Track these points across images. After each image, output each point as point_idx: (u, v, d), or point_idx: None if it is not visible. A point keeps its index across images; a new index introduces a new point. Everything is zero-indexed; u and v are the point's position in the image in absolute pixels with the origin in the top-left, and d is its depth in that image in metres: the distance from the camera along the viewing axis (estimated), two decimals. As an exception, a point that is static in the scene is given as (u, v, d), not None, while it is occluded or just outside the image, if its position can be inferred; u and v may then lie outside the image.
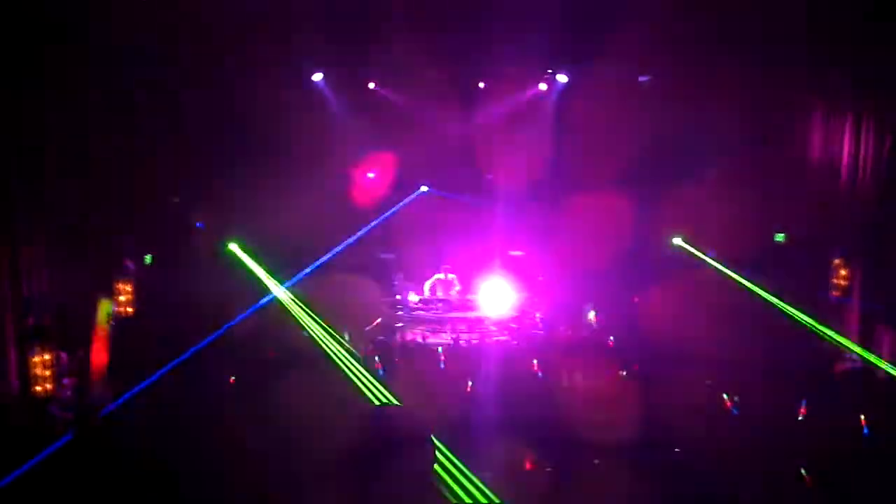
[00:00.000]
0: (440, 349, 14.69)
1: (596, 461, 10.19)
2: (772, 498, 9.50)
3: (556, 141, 19.76)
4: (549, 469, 10.04)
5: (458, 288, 19.29)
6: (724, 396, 12.27)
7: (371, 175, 19.66)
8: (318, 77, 18.43)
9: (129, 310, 15.19)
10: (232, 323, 15.29)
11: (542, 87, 19.32)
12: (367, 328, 16.55)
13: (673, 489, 9.44)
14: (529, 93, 19.60)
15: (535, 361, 13.55)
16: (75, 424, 11.15)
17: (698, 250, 17.55)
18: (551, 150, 19.80)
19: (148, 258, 15.72)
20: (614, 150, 18.53)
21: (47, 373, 12.11)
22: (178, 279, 15.80)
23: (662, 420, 11.14)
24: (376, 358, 14.12)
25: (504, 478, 9.74)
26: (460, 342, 16.27)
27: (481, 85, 18.91)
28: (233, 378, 13.07)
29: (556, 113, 19.69)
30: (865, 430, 10.99)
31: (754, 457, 10.26)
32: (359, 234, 17.50)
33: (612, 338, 15.85)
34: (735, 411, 12.14)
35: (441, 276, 19.40)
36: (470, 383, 12.87)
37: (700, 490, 9.43)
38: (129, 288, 15.20)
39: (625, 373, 13.70)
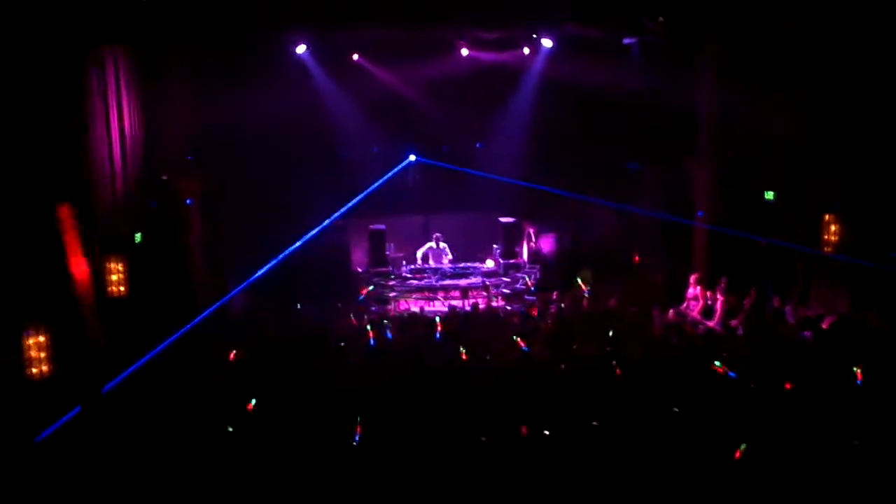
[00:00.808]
0: (437, 318, 14.63)
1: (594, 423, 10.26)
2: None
3: (543, 106, 19.78)
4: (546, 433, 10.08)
5: (449, 256, 19.32)
6: None
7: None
8: (301, 49, 18.28)
9: (122, 289, 15.12)
10: (226, 298, 15.29)
11: (526, 51, 19.20)
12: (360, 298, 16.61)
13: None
14: (514, 58, 19.51)
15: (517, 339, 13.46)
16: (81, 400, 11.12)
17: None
18: (538, 115, 19.85)
19: (138, 236, 15.60)
20: (601, 114, 18.63)
21: (42, 355, 12.00)
22: (172, 257, 15.77)
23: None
24: (368, 328, 14.12)
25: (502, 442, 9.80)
26: (456, 310, 16.29)
27: (464, 52, 18.81)
28: (232, 354, 13.05)
29: (542, 78, 19.64)
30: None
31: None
32: (349, 205, 17.40)
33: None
34: None
35: (432, 244, 19.41)
36: (463, 350, 12.85)
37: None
38: (120, 267, 15.11)
39: None
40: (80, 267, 12.18)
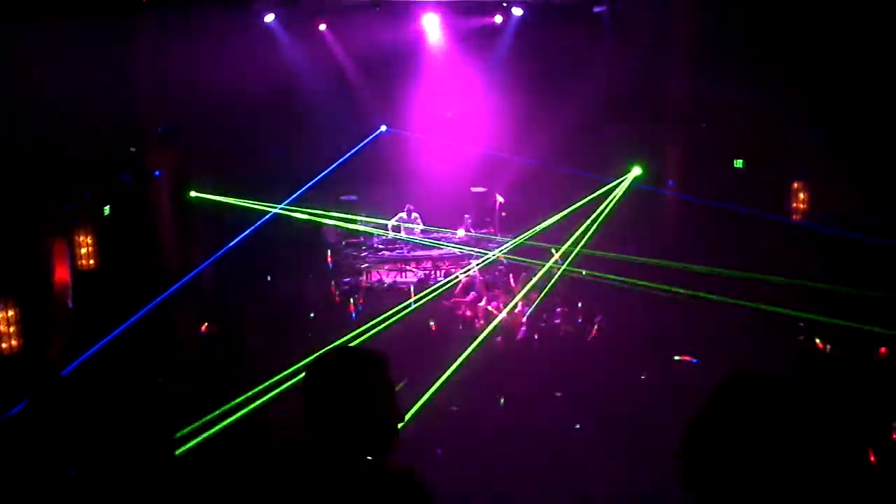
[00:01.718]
0: (412, 288, 14.63)
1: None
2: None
3: (513, 75, 19.72)
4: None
5: (421, 226, 19.30)
6: None
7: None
8: (270, 18, 18.07)
9: (91, 262, 15.00)
10: (197, 271, 15.19)
11: (498, 19, 19.12)
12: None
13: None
14: (483, 26, 19.42)
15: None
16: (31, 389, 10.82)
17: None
18: (508, 85, 19.78)
19: (106, 209, 15.46)
20: (571, 83, 18.59)
21: (12, 329, 11.92)
22: (140, 229, 15.64)
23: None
24: (350, 301, 14.09)
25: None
26: (429, 281, 16.32)
27: (432, 18, 18.73)
28: (204, 326, 13.01)
29: (512, 47, 19.57)
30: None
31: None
32: (319, 176, 17.30)
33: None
34: None
35: (404, 214, 19.38)
36: (432, 323, 12.88)
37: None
38: (90, 240, 14.99)
39: None
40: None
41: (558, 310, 14.87)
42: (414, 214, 19.36)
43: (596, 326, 13.95)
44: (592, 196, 17.59)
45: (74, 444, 8.83)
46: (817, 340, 11.46)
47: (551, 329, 14.18)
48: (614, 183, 17.60)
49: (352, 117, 19.19)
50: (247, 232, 15.15)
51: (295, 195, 17.12)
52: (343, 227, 18.37)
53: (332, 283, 15.99)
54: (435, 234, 19.05)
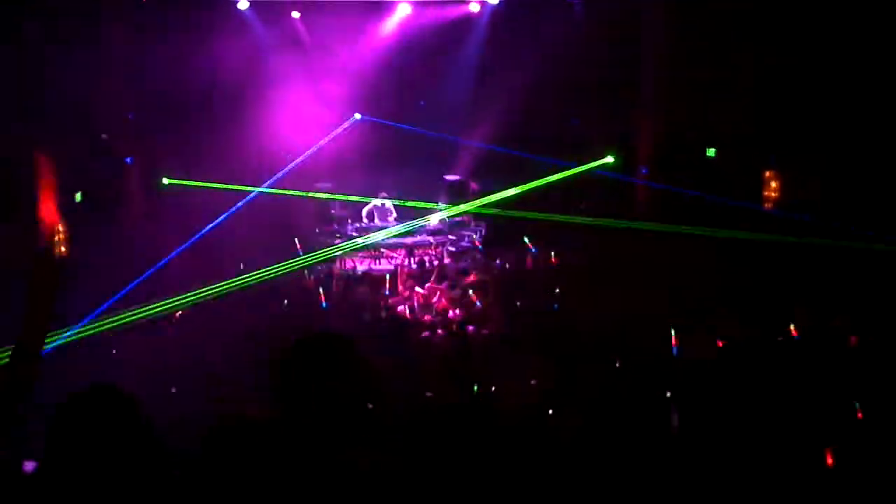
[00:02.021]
0: (388, 276, 14.51)
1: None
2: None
3: (487, 64, 19.75)
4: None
5: (394, 215, 19.28)
6: None
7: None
8: (243, 5, 17.98)
9: (63, 249, 14.91)
10: (169, 258, 15.09)
11: (475, 7, 19.13)
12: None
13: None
14: (458, 14, 19.43)
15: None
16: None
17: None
18: (482, 73, 19.82)
19: (78, 196, 15.37)
20: (545, 71, 18.63)
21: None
22: (112, 216, 15.55)
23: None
24: (320, 290, 14.00)
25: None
26: (403, 268, 16.31)
27: (406, 8, 18.74)
28: (177, 314, 12.91)
29: (487, 35, 19.60)
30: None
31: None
32: (293, 164, 17.23)
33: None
34: None
35: (377, 202, 19.35)
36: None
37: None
38: (61, 228, 14.90)
39: None
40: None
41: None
42: (388, 202, 19.33)
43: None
44: (559, 176, 17.65)
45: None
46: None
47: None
48: (583, 167, 17.66)
49: (326, 105, 19.12)
50: (221, 218, 15.06)
51: (271, 181, 17.03)
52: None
53: (305, 270, 15.94)
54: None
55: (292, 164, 16.91)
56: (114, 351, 11.31)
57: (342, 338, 3.47)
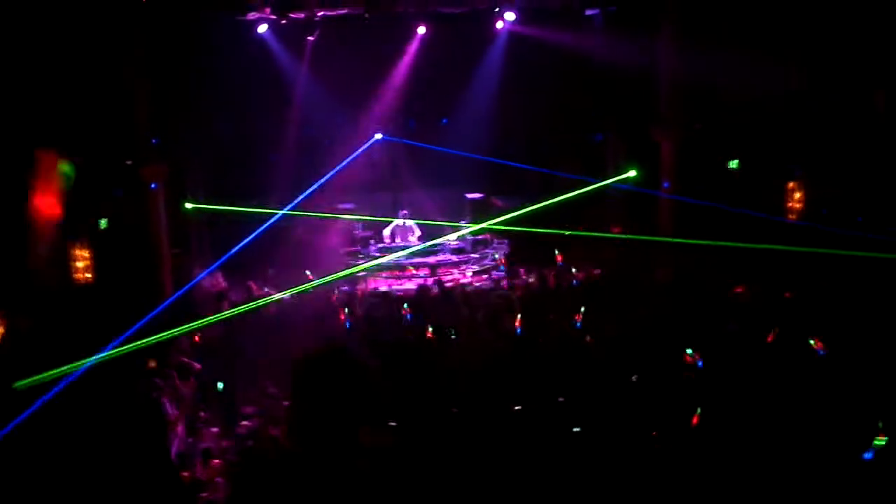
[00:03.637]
0: (406, 305, 14.34)
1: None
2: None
3: (507, 80, 19.79)
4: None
5: (417, 234, 19.30)
6: None
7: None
8: (263, 29, 18.13)
9: (88, 276, 15.03)
10: (194, 282, 15.15)
11: (500, 25, 19.21)
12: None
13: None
14: (476, 32, 19.52)
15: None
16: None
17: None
18: (502, 89, 19.85)
19: (103, 222, 15.50)
20: (565, 86, 18.64)
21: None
22: (137, 242, 15.67)
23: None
24: (345, 310, 13.92)
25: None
26: (426, 289, 16.25)
27: (421, 30, 18.89)
28: (197, 337, 12.93)
29: (505, 51, 19.64)
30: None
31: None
32: (317, 184, 17.24)
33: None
34: None
35: (400, 222, 19.39)
36: (430, 329, 12.72)
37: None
38: (86, 254, 15.02)
39: None
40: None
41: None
42: (409, 222, 19.37)
43: None
44: (581, 191, 17.54)
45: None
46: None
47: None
48: (607, 182, 17.55)
49: (346, 126, 19.21)
50: (246, 240, 15.06)
51: (296, 201, 17.02)
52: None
53: (335, 289, 15.99)
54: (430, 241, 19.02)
55: (315, 186, 16.92)
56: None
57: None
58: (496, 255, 18.39)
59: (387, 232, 19.34)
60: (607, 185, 17.13)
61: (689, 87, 16.27)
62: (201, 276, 15.64)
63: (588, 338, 11.96)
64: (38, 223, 13.43)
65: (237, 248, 14.59)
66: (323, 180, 16.98)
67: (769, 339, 10.33)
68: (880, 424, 7.46)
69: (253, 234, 15.19)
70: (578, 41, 18.04)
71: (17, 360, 11.58)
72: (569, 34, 18.00)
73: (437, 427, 9.35)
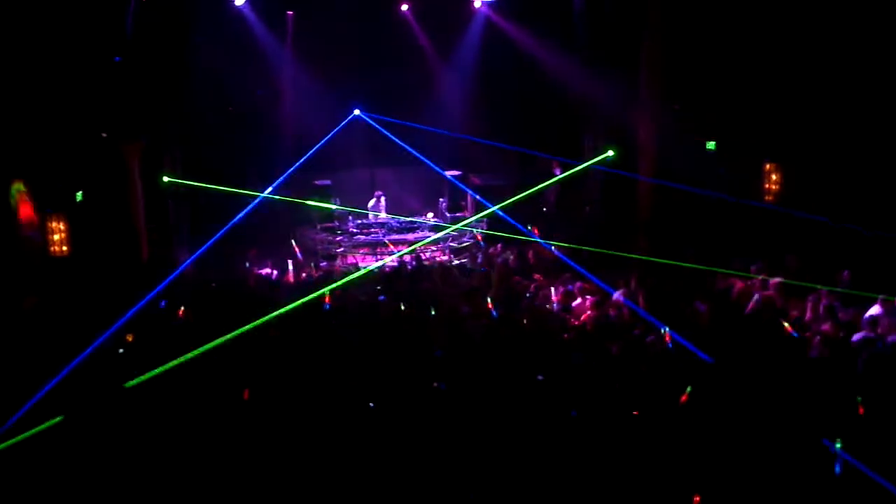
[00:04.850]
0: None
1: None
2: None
3: (486, 61, 19.81)
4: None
5: (384, 214, 19.31)
6: None
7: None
8: (240, 1, 17.99)
9: (65, 248, 14.90)
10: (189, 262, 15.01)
11: (477, 3, 19.20)
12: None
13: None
14: (458, 11, 19.53)
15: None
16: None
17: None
18: (481, 70, 19.88)
19: (79, 195, 15.35)
20: (543, 67, 18.66)
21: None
22: (113, 215, 15.56)
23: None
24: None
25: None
26: (405, 265, 16.27)
27: (404, 7, 18.83)
28: (181, 311, 12.84)
29: (485, 32, 19.67)
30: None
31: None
32: (301, 160, 17.16)
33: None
34: None
35: (373, 202, 19.39)
36: (403, 307, 12.73)
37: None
38: (62, 226, 14.89)
39: None
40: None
41: None
42: (383, 199, 19.39)
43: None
44: (563, 176, 17.61)
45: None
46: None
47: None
48: (585, 164, 17.60)
49: (325, 101, 19.09)
50: (236, 218, 14.95)
51: (279, 180, 16.94)
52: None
53: (312, 266, 15.98)
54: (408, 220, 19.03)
55: (297, 165, 16.85)
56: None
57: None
58: (475, 232, 18.38)
59: (370, 205, 19.31)
60: (586, 167, 17.21)
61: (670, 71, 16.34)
62: (195, 255, 15.35)
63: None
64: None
65: (226, 228, 14.50)
66: (303, 159, 16.90)
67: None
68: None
69: (239, 215, 15.09)
70: (559, 22, 18.11)
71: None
72: (549, 15, 18.04)
73: (416, 405, 9.36)
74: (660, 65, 16.47)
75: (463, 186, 19.24)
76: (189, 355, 9.69)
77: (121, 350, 10.83)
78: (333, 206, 18.67)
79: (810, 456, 7.37)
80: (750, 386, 8.43)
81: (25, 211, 14.25)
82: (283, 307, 11.40)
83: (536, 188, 16.65)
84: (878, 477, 6.85)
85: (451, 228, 18.25)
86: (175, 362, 9.65)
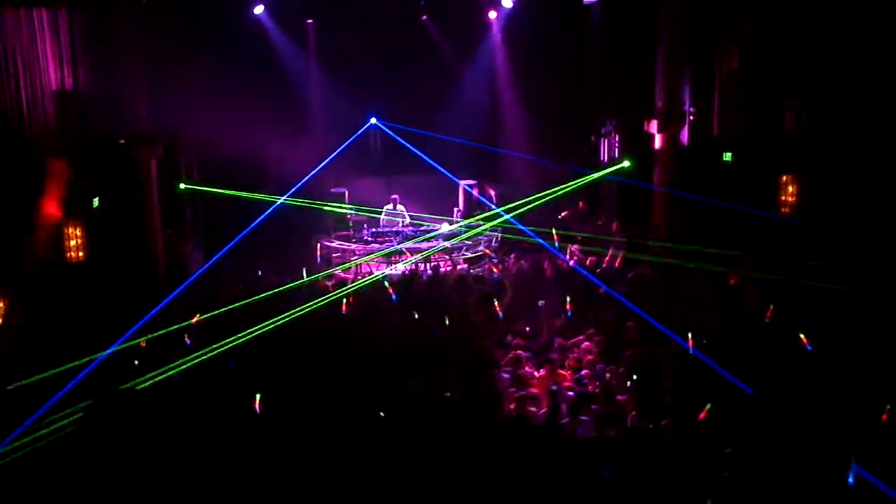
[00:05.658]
0: (387, 283, 14.30)
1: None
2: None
3: (504, 68, 19.85)
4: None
5: (406, 220, 19.29)
6: None
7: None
8: (259, 10, 18.09)
9: (81, 254, 14.94)
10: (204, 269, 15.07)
11: (492, 15, 19.25)
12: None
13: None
14: (474, 19, 19.58)
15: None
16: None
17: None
18: (499, 78, 19.91)
19: (95, 201, 15.40)
20: (562, 75, 18.65)
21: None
22: (130, 222, 15.63)
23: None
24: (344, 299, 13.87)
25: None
26: (419, 272, 16.26)
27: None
28: (196, 318, 12.85)
29: (503, 40, 19.71)
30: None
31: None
32: (318, 168, 17.22)
33: None
34: None
35: (390, 207, 19.40)
36: (416, 314, 12.71)
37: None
38: (79, 232, 14.93)
39: None
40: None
41: None
42: (399, 207, 19.38)
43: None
44: (576, 183, 17.54)
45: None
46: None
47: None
48: (601, 172, 17.58)
49: (342, 109, 19.16)
50: (252, 225, 14.98)
51: (296, 187, 17.01)
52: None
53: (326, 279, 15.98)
54: (422, 228, 19.01)
55: (313, 173, 16.91)
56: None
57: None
58: (491, 235, 18.32)
59: (384, 212, 19.32)
60: (601, 176, 17.19)
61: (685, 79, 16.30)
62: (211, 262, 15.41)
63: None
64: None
65: (244, 232, 14.55)
66: (321, 167, 16.96)
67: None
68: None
69: (256, 221, 15.15)
70: (576, 30, 18.09)
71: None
72: (567, 23, 18.04)
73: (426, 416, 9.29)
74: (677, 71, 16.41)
75: (479, 196, 19.27)
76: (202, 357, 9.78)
77: (135, 361, 10.89)
78: (349, 211, 18.70)
79: (832, 470, 7.31)
80: (789, 416, 8.37)
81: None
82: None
83: (552, 194, 16.64)
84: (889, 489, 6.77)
85: (465, 236, 18.17)
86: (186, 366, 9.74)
